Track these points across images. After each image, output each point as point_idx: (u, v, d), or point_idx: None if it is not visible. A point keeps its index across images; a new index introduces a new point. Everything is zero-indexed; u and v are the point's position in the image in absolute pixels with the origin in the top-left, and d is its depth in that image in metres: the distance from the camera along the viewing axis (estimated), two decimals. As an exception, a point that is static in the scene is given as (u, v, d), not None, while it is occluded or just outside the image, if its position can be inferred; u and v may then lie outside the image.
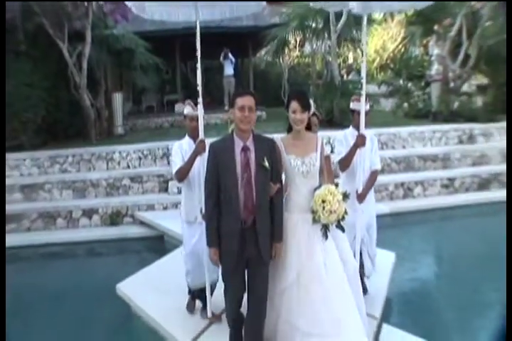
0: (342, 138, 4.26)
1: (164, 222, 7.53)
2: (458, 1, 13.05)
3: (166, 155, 9.29)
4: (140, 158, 9.51)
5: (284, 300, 3.29)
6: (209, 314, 4.13)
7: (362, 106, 3.97)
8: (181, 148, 4.10)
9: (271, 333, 3.38)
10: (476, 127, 11.58)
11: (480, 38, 12.48)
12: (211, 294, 4.16)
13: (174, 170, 4.05)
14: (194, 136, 4.12)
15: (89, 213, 8.28)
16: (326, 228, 3.27)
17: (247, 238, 3.14)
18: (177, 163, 4.03)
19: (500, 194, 9.56)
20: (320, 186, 3.31)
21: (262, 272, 3.23)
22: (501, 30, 12.48)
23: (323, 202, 3.18)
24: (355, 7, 4.12)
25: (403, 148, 10.83)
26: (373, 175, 4.24)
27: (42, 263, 7.15)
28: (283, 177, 3.39)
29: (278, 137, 3.43)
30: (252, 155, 3.15)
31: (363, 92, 3.99)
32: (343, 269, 3.33)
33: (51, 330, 4.85)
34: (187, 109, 4.15)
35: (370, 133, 4.11)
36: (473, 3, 12.61)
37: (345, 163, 4.10)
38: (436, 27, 13.49)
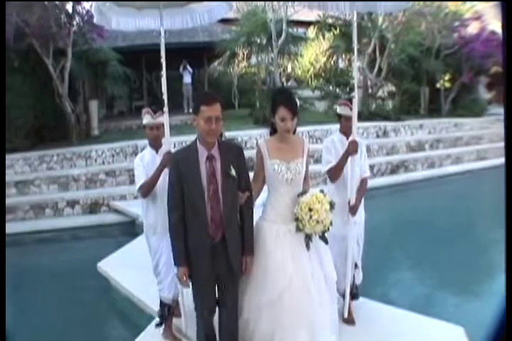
0: (330, 145, 3.32)
1: (135, 209, 7.39)
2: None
3: (135, 152, 9.22)
4: (113, 156, 9.41)
5: (264, 313, 2.60)
6: (184, 329, 3.22)
7: (354, 110, 3.16)
8: (143, 160, 3.25)
9: None
10: (389, 124, 12.12)
11: (388, 56, 13.12)
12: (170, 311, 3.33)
13: (138, 185, 3.20)
14: (156, 145, 3.29)
15: (72, 204, 8.15)
16: (309, 238, 2.62)
17: (217, 254, 2.51)
18: (140, 177, 3.20)
19: (405, 177, 10.35)
20: (305, 192, 2.63)
21: (233, 286, 2.61)
22: (401, 51, 13.27)
23: (310, 210, 2.52)
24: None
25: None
26: (363, 183, 3.33)
27: (34, 247, 7.05)
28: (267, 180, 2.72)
29: (262, 141, 2.76)
30: (218, 165, 2.48)
31: (355, 94, 3.19)
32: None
33: (42, 302, 4.85)
34: (146, 118, 3.22)
35: (358, 139, 3.24)
36: (383, 28, 13.14)
37: (337, 172, 3.18)
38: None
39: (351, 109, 3.21)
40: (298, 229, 2.59)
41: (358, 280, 3.49)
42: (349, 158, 3.14)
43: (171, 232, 2.60)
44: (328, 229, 2.63)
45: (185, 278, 2.55)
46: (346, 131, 3.28)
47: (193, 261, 2.54)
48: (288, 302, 2.56)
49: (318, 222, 2.53)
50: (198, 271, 2.55)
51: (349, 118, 3.23)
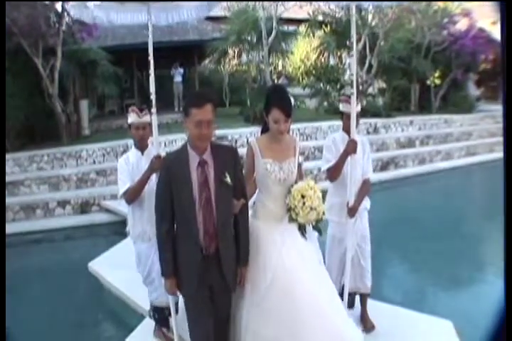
0: (330, 144, 3.17)
1: (126, 209, 7.38)
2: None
3: (126, 151, 9.13)
4: (104, 155, 9.34)
5: (252, 315, 2.42)
6: (174, 328, 2.90)
7: (353, 107, 2.96)
8: (128, 162, 3.05)
9: None
10: (379, 121, 12.17)
11: (378, 53, 13.17)
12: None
13: (122, 190, 2.98)
14: (141, 146, 3.12)
15: (62, 204, 8.05)
16: (303, 229, 2.53)
17: (209, 266, 2.30)
18: (124, 180, 2.98)
19: (395, 173, 10.34)
20: (296, 182, 2.55)
21: (227, 298, 2.44)
22: (391, 48, 13.32)
23: (303, 197, 2.42)
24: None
25: (324, 138, 11.14)
26: (365, 184, 3.17)
27: (26, 248, 6.90)
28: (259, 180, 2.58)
29: (253, 139, 2.65)
30: (211, 171, 2.27)
31: (354, 91, 2.99)
32: None
33: (33, 302, 4.80)
34: (132, 117, 3.07)
35: (361, 137, 3.12)
36: (373, 25, 13.16)
37: (335, 172, 3.07)
38: (347, 42, 13.95)
39: None
40: (291, 219, 2.48)
41: (351, 288, 3.20)
42: (349, 158, 2.98)
43: (159, 242, 2.40)
44: (322, 218, 2.53)
45: (172, 289, 2.40)
46: (349, 130, 3.07)
47: (183, 274, 2.35)
48: (283, 297, 2.39)
49: (311, 208, 2.42)
50: (189, 283, 2.34)
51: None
